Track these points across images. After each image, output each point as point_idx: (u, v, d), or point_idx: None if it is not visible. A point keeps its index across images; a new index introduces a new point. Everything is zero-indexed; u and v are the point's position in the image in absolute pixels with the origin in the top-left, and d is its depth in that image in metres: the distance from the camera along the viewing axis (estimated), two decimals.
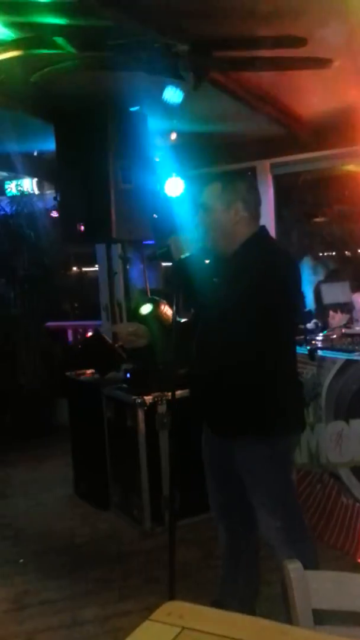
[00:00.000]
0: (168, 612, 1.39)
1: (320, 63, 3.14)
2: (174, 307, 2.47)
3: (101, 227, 3.83)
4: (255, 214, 2.33)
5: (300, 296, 2.36)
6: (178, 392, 3.02)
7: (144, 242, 4.31)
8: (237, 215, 2.27)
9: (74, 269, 8.83)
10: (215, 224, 2.29)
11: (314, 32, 2.96)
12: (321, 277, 4.63)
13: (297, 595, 1.35)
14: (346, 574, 1.39)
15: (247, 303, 2.11)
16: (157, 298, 3.99)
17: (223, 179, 2.40)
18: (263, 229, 2.38)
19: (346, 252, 5.72)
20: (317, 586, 1.37)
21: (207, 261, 2.36)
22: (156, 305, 3.84)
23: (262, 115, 4.11)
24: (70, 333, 7.10)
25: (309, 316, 3.94)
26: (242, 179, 2.46)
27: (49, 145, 4.03)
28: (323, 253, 5.90)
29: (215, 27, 2.99)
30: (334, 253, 5.63)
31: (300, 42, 2.95)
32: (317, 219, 6.49)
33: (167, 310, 3.75)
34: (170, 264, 2.39)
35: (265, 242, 2.35)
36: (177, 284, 2.42)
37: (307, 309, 4.00)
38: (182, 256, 2.26)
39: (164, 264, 4.75)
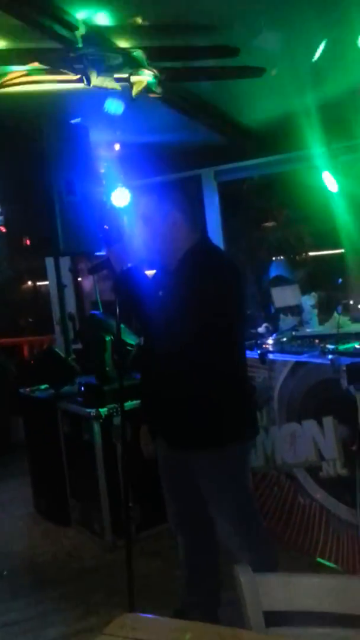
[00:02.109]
0: (121, 625, 1.38)
1: (254, 72, 3.20)
2: (117, 317, 2.47)
3: (47, 241, 3.80)
4: (194, 223, 2.34)
5: (245, 302, 2.38)
6: (132, 403, 3.04)
7: (95, 253, 4.30)
8: (176, 225, 2.28)
9: (29, 283, 8.74)
10: (154, 234, 2.30)
11: (248, 41, 3.03)
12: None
13: (248, 599, 1.36)
14: (294, 575, 1.42)
15: (192, 315, 2.12)
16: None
17: (160, 190, 2.42)
18: (204, 237, 2.40)
19: (296, 257, 5.82)
20: (266, 589, 1.38)
21: (148, 272, 2.37)
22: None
23: (203, 124, 4.17)
24: (26, 348, 7.01)
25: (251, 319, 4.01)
26: (180, 190, 2.47)
27: None
28: (272, 258, 5.97)
29: (150, 38, 3.02)
30: (282, 257, 5.72)
31: (233, 52, 3.01)
32: (266, 224, 6.58)
33: None
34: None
35: (207, 252, 2.36)
36: (120, 295, 2.42)
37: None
38: (124, 268, 2.26)
39: None
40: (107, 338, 3.71)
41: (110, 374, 3.69)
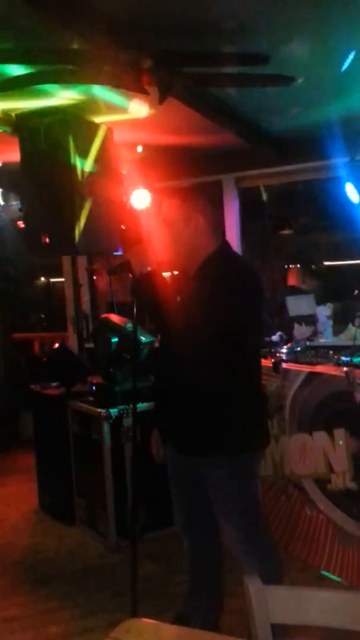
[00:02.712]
0: (127, 630, 1.39)
1: (282, 81, 3.19)
2: (134, 320, 2.47)
3: (65, 240, 3.82)
4: (216, 229, 2.34)
5: (264, 310, 2.38)
6: (143, 405, 3.04)
7: (113, 254, 4.31)
8: (198, 230, 2.27)
9: (42, 279, 8.76)
10: (176, 239, 2.29)
11: (276, 49, 3.02)
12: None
13: (256, 610, 1.36)
14: (305, 589, 1.41)
15: (210, 322, 2.11)
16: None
17: (183, 193, 2.42)
18: (225, 244, 2.40)
19: (312, 266, 5.81)
20: (275, 601, 1.38)
21: (167, 276, 2.37)
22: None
23: (227, 130, 4.17)
24: (37, 344, 7.03)
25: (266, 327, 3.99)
26: (203, 194, 2.47)
27: (14, 156, 4.01)
28: (288, 265, 5.97)
29: (180, 43, 3.02)
30: (298, 265, 5.70)
31: (262, 59, 3.00)
32: (283, 232, 6.57)
33: None
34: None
35: (228, 258, 2.36)
36: (138, 297, 2.41)
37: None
38: (143, 271, 2.26)
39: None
40: (114, 339, 3.71)
41: (117, 375, 3.69)
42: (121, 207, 4.14)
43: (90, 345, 4.62)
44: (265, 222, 5.81)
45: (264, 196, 5.46)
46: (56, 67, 3.15)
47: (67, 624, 2.95)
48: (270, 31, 2.91)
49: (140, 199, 4.22)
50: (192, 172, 4.97)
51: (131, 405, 2.90)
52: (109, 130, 4.01)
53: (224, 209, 5.10)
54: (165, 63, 3.12)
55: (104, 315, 4.25)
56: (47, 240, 3.84)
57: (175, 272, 2.45)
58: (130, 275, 2.35)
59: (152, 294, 2.24)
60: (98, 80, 3.21)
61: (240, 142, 4.46)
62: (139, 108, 3.37)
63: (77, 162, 3.75)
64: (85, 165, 3.80)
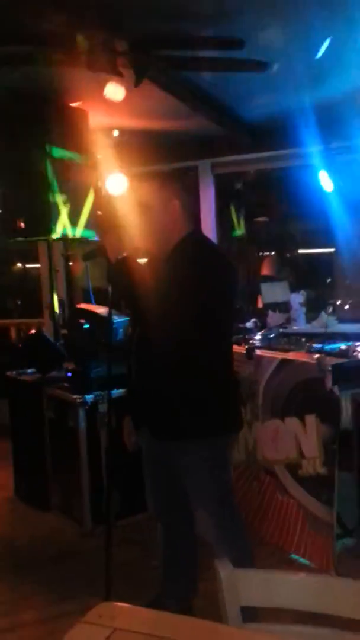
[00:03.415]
0: (100, 614, 1.39)
1: (257, 66, 3.19)
2: (110, 305, 2.47)
3: (42, 223, 3.79)
4: (190, 214, 2.34)
5: (237, 295, 2.39)
6: (119, 392, 3.04)
7: (90, 239, 4.28)
8: (174, 215, 2.28)
9: (18, 265, 8.66)
10: (152, 223, 2.29)
11: (252, 35, 3.01)
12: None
13: (226, 593, 1.38)
14: (273, 572, 1.44)
15: (183, 304, 2.11)
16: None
17: (159, 178, 2.41)
18: (196, 229, 2.41)
19: (286, 254, 5.84)
20: (245, 584, 1.40)
21: (142, 261, 2.36)
22: None
23: (203, 115, 4.15)
24: (12, 331, 6.97)
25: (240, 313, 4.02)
26: (179, 179, 2.47)
27: None
28: (262, 252, 5.99)
29: (156, 25, 3.00)
30: (272, 253, 5.73)
31: (238, 44, 2.99)
32: (259, 219, 6.59)
33: None
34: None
35: (199, 242, 2.37)
36: (114, 283, 2.41)
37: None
38: (118, 256, 2.25)
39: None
40: (86, 325, 3.70)
41: (92, 361, 3.69)
42: (97, 192, 4.13)
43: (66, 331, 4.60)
44: (240, 209, 5.82)
45: (238, 185, 5.47)
46: (31, 48, 3.10)
47: (42, 609, 2.95)
48: (247, 16, 2.90)
49: (116, 183, 4.20)
50: (168, 157, 4.96)
51: (107, 392, 2.90)
52: (85, 114, 3.97)
53: (200, 195, 5.10)
54: (141, 46, 3.10)
55: (78, 306, 4.24)
56: (22, 224, 3.82)
57: (149, 258, 2.45)
58: (106, 261, 2.34)
59: (127, 278, 2.24)
60: (72, 63, 3.16)
61: (216, 128, 4.45)
62: (114, 91, 3.33)
63: (53, 146, 3.73)
64: (60, 149, 3.77)
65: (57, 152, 3.75)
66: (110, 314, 2.72)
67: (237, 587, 1.39)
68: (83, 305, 4.15)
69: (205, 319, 2.16)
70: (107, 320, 2.95)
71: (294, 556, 3.18)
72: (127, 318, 3.59)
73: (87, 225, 3.99)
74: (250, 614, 1.46)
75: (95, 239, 4.07)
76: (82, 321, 3.72)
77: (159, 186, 2.32)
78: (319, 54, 3.25)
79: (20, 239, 3.99)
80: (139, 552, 3.36)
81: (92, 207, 4.03)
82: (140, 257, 2.39)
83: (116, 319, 3.63)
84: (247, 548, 2.43)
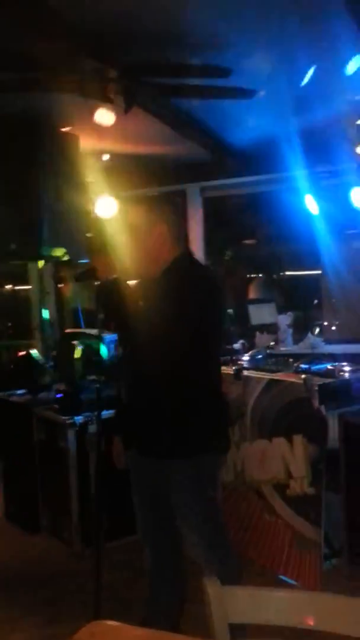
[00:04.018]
0: (91, 632, 1.41)
1: (244, 94, 3.27)
2: (98, 326, 2.50)
3: (33, 246, 3.83)
4: (179, 237, 2.38)
5: (224, 317, 2.43)
6: (108, 413, 3.05)
7: (79, 261, 4.33)
8: (161, 238, 2.32)
9: (8, 287, 8.65)
10: (139, 246, 2.33)
11: (239, 63, 3.10)
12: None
13: (214, 610, 1.40)
14: (261, 589, 1.46)
15: (173, 325, 2.15)
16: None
17: (148, 201, 2.46)
18: (187, 251, 2.45)
19: (274, 276, 5.91)
20: (233, 601, 1.42)
21: (131, 283, 2.40)
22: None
23: (192, 140, 4.24)
24: (2, 352, 6.95)
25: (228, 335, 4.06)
26: (167, 202, 2.52)
27: None
28: (250, 275, 6.06)
29: (145, 54, 3.08)
30: (260, 275, 5.80)
31: (225, 72, 3.08)
32: (247, 242, 6.67)
33: None
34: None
35: (189, 265, 2.40)
36: (103, 304, 2.45)
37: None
38: (109, 278, 2.29)
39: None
40: (80, 347, 3.73)
41: (81, 382, 3.71)
42: (87, 215, 4.18)
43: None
44: (228, 232, 5.89)
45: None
46: (22, 74, 3.17)
47: (30, 632, 2.94)
48: (234, 45, 2.99)
49: (106, 207, 4.25)
50: (157, 181, 5.03)
51: (96, 413, 2.91)
52: (75, 138, 4.04)
53: (188, 218, 5.16)
54: (130, 73, 3.18)
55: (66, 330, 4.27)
56: (13, 246, 3.86)
57: (139, 280, 2.49)
58: (96, 282, 2.38)
59: (117, 300, 2.28)
60: (63, 89, 3.24)
61: (204, 152, 4.54)
62: (105, 116, 3.40)
63: (44, 170, 3.78)
64: (51, 173, 3.82)
65: (48, 176, 3.80)
66: (99, 334, 2.75)
67: (225, 604, 1.41)
68: (71, 330, 4.19)
69: (195, 340, 2.20)
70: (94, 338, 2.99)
71: (282, 577, 3.18)
72: (116, 335, 3.62)
73: (78, 248, 4.03)
74: (239, 631, 1.47)
75: (86, 261, 4.11)
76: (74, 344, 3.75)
77: (145, 210, 2.37)
78: (305, 81, 3.34)
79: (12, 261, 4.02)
80: (128, 574, 3.36)
81: (82, 230, 4.08)
82: (130, 279, 2.43)
83: (107, 337, 3.66)
84: (235, 568, 2.43)
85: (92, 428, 3.56)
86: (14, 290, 8.21)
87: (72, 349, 3.71)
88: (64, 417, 3.60)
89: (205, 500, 2.40)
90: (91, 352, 3.71)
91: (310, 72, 3.28)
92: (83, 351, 3.73)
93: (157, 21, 2.76)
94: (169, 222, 2.34)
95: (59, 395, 3.81)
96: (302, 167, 4.21)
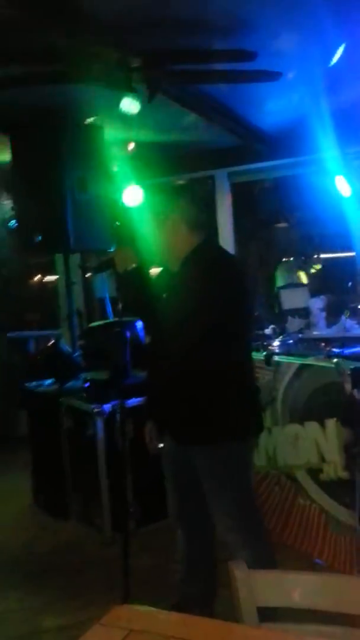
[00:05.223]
0: (118, 616, 1.41)
1: (270, 76, 3.22)
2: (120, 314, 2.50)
3: (58, 237, 3.85)
4: (196, 225, 2.35)
5: (252, 302, 2.41)
6: (136, 400, 3.07)
7: (107, 251, 4.34)
8: (174, 227, 2.31)
9: (36, 278, 8.74)
10: (157, 236, 2.34)
11: (265, 45, 3.04)
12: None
13: (242, 594, 1.39)
14: (288, 572, 1.44)
15: (194, 316, 2.15)
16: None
17: (166, 191, 2.45)
18: (208, 240, 2.44)
19: (305, 259, 5.83)
20: (261, 585, 1.41)
21: (153, 272, 2.41)
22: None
23: (218, 125, 4.19)
24: (32, 343, 7.05)
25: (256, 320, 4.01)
26: (186, 192, 2.50)
27: (5, 155, 4.03)
28: (282, 259, 5.98)
29: (167, 41, 3.04)
30: (292, 259, 5.72)
31: (250, 55, 3.02)
32: (278, 225, 6.58)
33: None
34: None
35: (208, 254, 2.38)
36: (122, 294, 2.45)
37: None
38: (128, 268, 2.28)
39: None
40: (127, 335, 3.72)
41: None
42: (114, 205, 4.18)
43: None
44: (258, 217, 5.83)
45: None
46: (46, 67, 3.17)
47: (62, 616, 2.97)
48: (258, 27, 2.93)
49: (132, 196, 4.25)
50: (184, 168, 5.00)
51: (121, 401, 2.92)
52: (100, 129, 4.04)
53: (217, 204, 5.12)
54: (153, 62, 3.15)
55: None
56: (40, 238, 3.88)
57: (162, 269, 2.49)
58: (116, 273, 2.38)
59: (138, 290, 2.28)
60: (88, 80, 3.23)
61: (231, 137, 4.49)
62: (130, 105, 3.39)
63: (69, 162, 3.79)
64: (76, 164, 3.83)
65: (73, 167, 3.81)
66: (121, 323, 2.74)
67: (253, 588, 1.40)
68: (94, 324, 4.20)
69: (218, 327, 2.19)
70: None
71: (317, 561, 3.16)
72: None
73: (105, 238, 4.03)
74: (269, 615, 1.46)
75: (113, 250, 4.12)
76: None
77: (160, 200, 2.37)
78: (333, 61, 3.27)
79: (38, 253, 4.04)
80: (160, 558, 3.37)
81: (109, 220, 4.08)
82: (153, 268, 2.43)
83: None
84: (268, 552, 2.42)
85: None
86: (42, 281, 8.30)
87: (119, 337, 3.67)
88: (92, 406, 3.62)
89: (239, 485, 2.40)
90: (137, 340, 3.71)
91: (340, 50, 3.20)
92: (130, 339, 3.71)
93: (179, 7, 2.73)
94: (182, 213, 2.33)
95: (86, 385, 3.83)
96: (332, 148, 4.13)
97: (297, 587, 1.40)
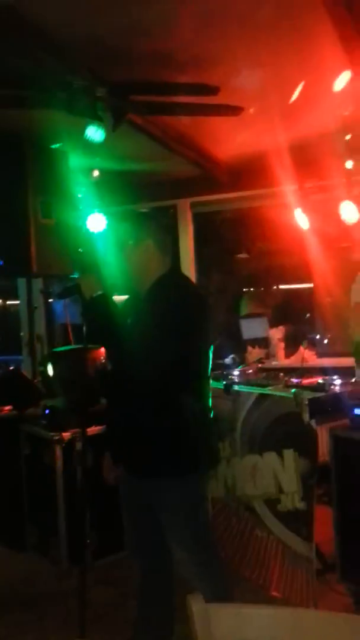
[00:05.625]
0: None
1: (231, 111, 3.30)
2: (84, 342, 2.49)
3: (21, 262, 3.81)
4: (165, 253, 2.38)
5: (211, 333, 2.42)
6: (96, 429, 3.03)
7: (69, 277, 4.32)
8: (148, 253, 2.32)
9: None
10: (127, 261, 2.34)
11: (227, 80, 3.12)
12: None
13: (199, 628, 1.37)
14: (246, 606, 1.43)
15: (159, 342, 2.14)
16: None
17: (134, 217, 2.47)
18: (174, 267, 2.45)
19: (265, 290, 5.92)
20: (218, 619, 1.39)
21: (120, 298, 2.40)
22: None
23: (181, 156, 4.26)
24: None
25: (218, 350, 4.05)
26: (154, 218, 2.53)
27: None
28: (242, 289, 6.06)
29: (133, 72, 3.10)
30: (252, 289, 5.80)
31: (212, 90, 3.10)
32: (239, 256, 6.67)
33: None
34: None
35: (175, 281, 2.40)
36: (88, 321, 2.44)
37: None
38: (94, 294, 2.28)
39: None
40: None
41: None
42: (77, 231, 4.18)
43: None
44: (219, 246, 5.90)
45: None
46: (11, 91, 3.19)
47: None
48: (222, 63, 3.01)
49: (96, 222, 4.26)
50: (148, 196, 5.05)
51: (81, 429, 2.89)
52: (65, 154, 4.05)
53: (179, 233, 5.17)
54: (119, 91, 3.20)
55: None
56: (2, 262, 3.85)
57: (127, 296, 2.49)
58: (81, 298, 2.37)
59: (103, 316, 2.27)
60: (53, 106, 3.25)
61: (194, 168, 4.56)
62: (94, 133, 3.42)
63: (33, 186, 3.78)
64: (41, 189, 3.83)
65: (37, 192, 3.80)
66: (85, 349, 2.73)
67: (210, 622, 1.39)
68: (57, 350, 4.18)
69: (181, 357, 2.19)
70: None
71: (274, 594, 3.14)
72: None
73: (68, 263, 4.02)
74: None
75: (76, 276, 4.10)
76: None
77: (131, 226, 2.38)
78: (293, 98, 3.37)
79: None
80: (117, 592, 3.31)
81: (72, 246, 4.07)
82: (117, 295, 2.43)
83: None
84: (226, 585, 2.40)
85: (80, 445, 3.52)
86: (4, 305, 8.21)
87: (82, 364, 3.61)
88: (51, 433, 3.57)
89: (194, 518, 2.38)
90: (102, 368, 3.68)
91: (299, 87, 3.31)
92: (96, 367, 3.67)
93: (146, 40, 2.79)
94: (155, 238, 2.35)
95: (46, 412, 3.77)
96: (292, 182, 4.23)
97: (254, 622, 1.39)
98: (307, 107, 3.57)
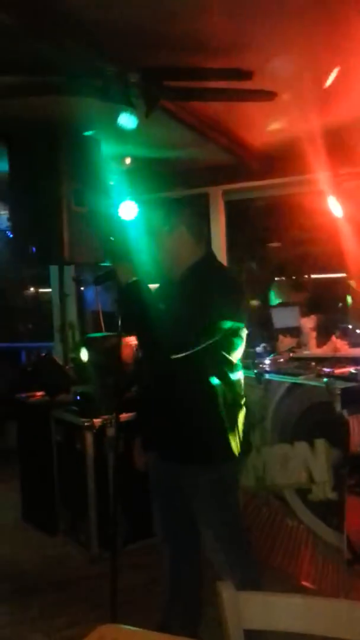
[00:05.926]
0: (101, 636, 1.39)
1: (265, 96, 3.25)
2: (119, 328, 2.51)
3: (53, 249, 3.84)
4: (199, 238, 2.38)
5: (246, 319, 2.41)
6: (127, 415, 3.05)
7: (100, 264, 4.34)
8: (181, 239, 2.32)
9: (30, 289, 8.74)
10: (160, 247, 2.35)
11: (260, 65, 3.08)
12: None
13: (229, 616, 1.37)
14: (275, 595, 1.42)
15: (192, 330, 2.15)
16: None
17: (168, 204, 2.46)
18: (209, 254, 2.44)
19: (297, 279, 5.85)
20: (248, 607, 1.39)
21: (152, 286, 2.40)
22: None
23: (214, 143, 4.22)
24: (23, 354, 7.02)
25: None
26: (187, 205, 2.52)
27: (2, 166, 4.04)
28: (274, 278, 6.01)
29: (166, 57, 3.07)
30: (283, 278, 5.74)
31: (246, 75, 3.06)
32: (272, 244, 6.61)
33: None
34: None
35: (211, 267, 2.41)
36: (123, 307, 2.45)
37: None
38: (129, 281, 2.28)
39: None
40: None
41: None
42: (109, 219, 4.19)
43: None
44: (252, 235, 5.85)
45: None
46: (45, 79, 3.19)
47: (48, 634, 2.94)
48: (256, 47, 2.97)
49: (128, 210, 4.26)
50: (179, 184, 5.02)
51: (114, 415, 2.91)
52: (98, 142, 4.06)
53: (211, 221, 5.14)
54: (152, 77, 3.18)
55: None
56: (34, 249, 3.88)
57: (161, 283, 2.49)
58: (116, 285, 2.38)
59: (138, 302, 2.27)
60: (86, 93, 3.25)
61: (226, 155, 4.52)
62: (127, 120, 3.41)
63: (66, 174, 3.80)
64: (73, 177, 3.84)
65: (70, 180, 3.82)
66: (119, 337, 2.74)
67: (240, 610, 1.39)
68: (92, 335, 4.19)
69: (215, 343, 2.18)
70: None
71: (304, 584, 3.13)
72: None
73: (100, 251, 4.04)
74: (257, 637, 1.44)
75: (107, 264, 4.11)
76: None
77: (165, 213, 2.37)
78: (328, 83, 3.30)
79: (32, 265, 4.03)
80: (146, 577, 3.34)
81: (104, 233, 4.09)
82: (151, 282, 2.43)
83: None
84: (254, 574, 2.41)
85: (111, 431, 3.55)
86: (36, 293, 8.31)
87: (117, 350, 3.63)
88: (82, 419, 3.60)
89: (225, 504, 2.38)
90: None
91: (334, 73, 3.24)
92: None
93: (178, 25, 2.76)
94: (188, 225, 2.35)
95: (77, 398, 3.81)
96: (325, 169, 4.16)
97: (283, 610, 1.39)
98: (342, 93, 3.50)
